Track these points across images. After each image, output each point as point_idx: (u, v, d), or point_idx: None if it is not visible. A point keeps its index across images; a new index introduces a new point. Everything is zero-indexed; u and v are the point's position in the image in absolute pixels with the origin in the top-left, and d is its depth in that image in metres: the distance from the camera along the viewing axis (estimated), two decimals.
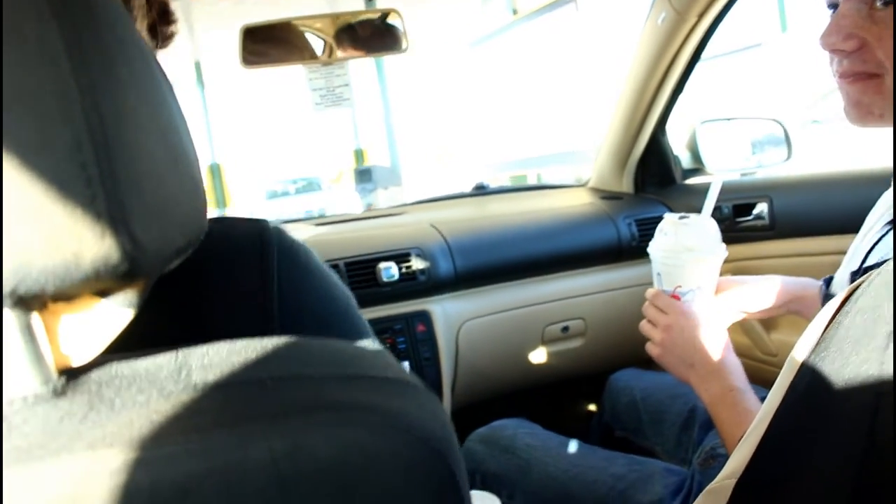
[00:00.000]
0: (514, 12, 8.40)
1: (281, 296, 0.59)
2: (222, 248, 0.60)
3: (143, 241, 0.35)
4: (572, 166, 6.35)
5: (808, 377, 0.63)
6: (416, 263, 1.80)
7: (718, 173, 2.16)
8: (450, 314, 1.85)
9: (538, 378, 2.07)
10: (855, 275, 0.89)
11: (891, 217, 0.87)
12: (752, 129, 2.27)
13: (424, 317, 1.81)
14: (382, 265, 1.77)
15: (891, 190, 1.00)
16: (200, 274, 0.58)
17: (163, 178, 0.38)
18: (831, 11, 0.95)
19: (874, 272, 0.61)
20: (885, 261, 0.81)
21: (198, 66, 15.04)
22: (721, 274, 1.95)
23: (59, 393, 0.35)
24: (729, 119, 2.18)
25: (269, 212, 15.86)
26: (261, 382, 0.39)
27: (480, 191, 2.36)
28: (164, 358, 0.39)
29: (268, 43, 1.60)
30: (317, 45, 1.61)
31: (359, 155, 14.22)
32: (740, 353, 1.91)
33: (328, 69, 1.56)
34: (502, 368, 1.98)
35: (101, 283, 0.35)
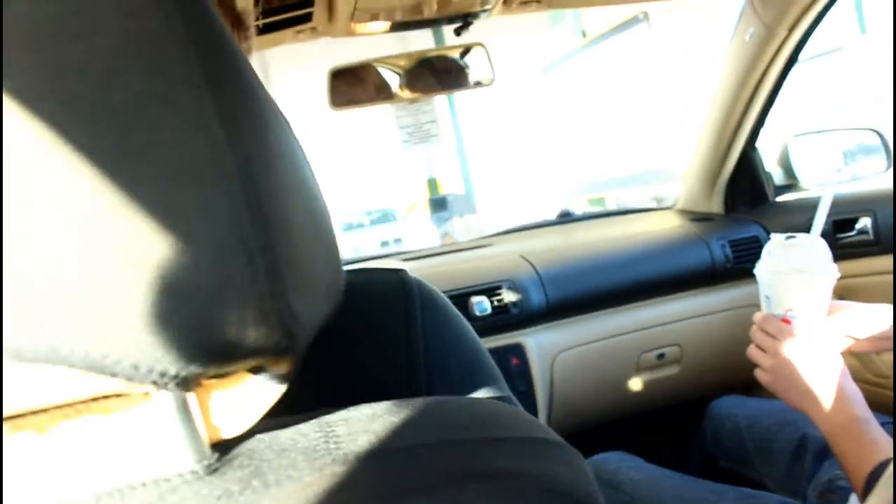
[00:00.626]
0: (584, 35, 8.37)
1: (426, 345, 0.58)
2: (366, 299, 0.59)
3: (300, 317, 0.34)
4: (649, 187, 6.26)
5: None
6: (508, 296, 1.78)
7: (815, 188, 2.10)
8: (543, 346, 1.83)
9: (634, 407, 2.02)
10: None
11: None
12: (846, 140, 2.20)
13: (518, 350, 1.80)
14: (474, 299, 1.76)
15: None
16: (346, 328, 0.57)
17: (310, 247, 0.37)
18: None
19: None
20: None
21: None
22: None
23: (213, 470, 0.35)
24: (822, 131, 2.11)
25: (345, 243, 16.06)
26: (411, 450, 0.37)
27: (566, 218, 2.35)
28: (308, 426, 0.38)
29: (353, 84, 1.63)
30: (402, 83, 1.63)
31: (432, 184, 14.30)
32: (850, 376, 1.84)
33: (415, 106, 1.58)
34: (598, 399, 1.95)
35: (260, 361, 0.35)
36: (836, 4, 1.66)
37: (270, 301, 0.33)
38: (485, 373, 0.63)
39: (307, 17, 1.33)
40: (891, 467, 0.66)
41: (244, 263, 0.32)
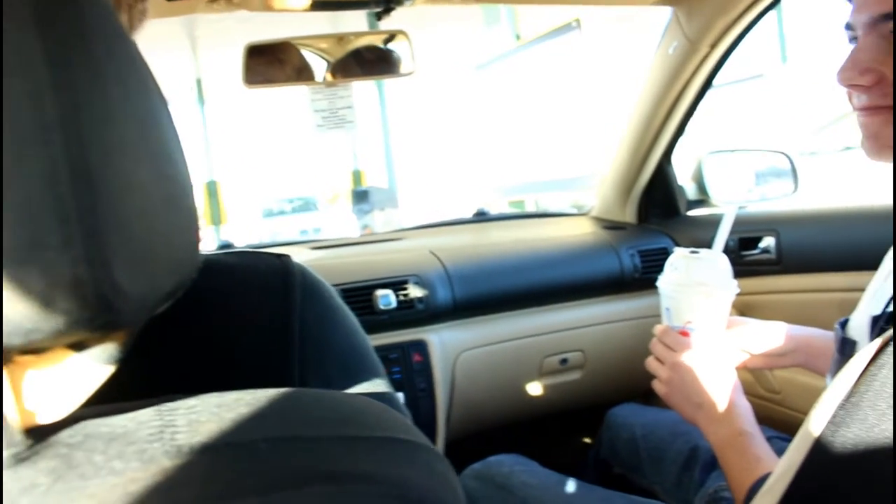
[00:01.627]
0: (518, 37, 8.42)
1: (303, 334, 0.56)
2: (246, 282, 0.57)
3: (126, 289, 0.31)
4: (571, 193, 6.34)
5: (837, 433, 0.59)
6: (414, 291, 1.76)
7: (724, 205, 2.14)
8: (447, 344, 1.81)
9: (535, 411, 2.02)
10: (877, 319, 0.85)
11: None
12: (758, 161, 2.25)
13: (421, 346, 1.77)
14: (380, 292, 1.73)
15: None
16: (222, 310, 0.55)
17: (154, 216, 0.34)
18: (849, 34, 0.93)
19: None
20: None
21: (199, 83, 15.06)
22: None
23: (21, 459, 0.30)
24: (735, 150, 2.15)
25: (264, 230, 15.82)
26: (251, 445, 0.34)
27: (481, 217, 2.33)
28: (146, 413, 0.34)
29: (271, 63, 1.57)
30: (321, 66, 1.58)
31: (356, 176, 14.22)
32: (743, 389, 1.88)
33: (331, 91, 1.53)
34: (499, 400, 1.94)
35: (76, 336, 0.31)
36: (757, 24, 1.69)
37: (87, 269, 0.29)
38: (365, 367, 0.61)
39: None
40: (769, 482, 0.66)
41: (57, 224, 0.28)
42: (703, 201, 2.16)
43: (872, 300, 0.92)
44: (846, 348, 0.95)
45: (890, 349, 0.58)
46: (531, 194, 7.55)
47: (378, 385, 0.60)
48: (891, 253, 0.99)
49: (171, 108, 0.40)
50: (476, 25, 9.66)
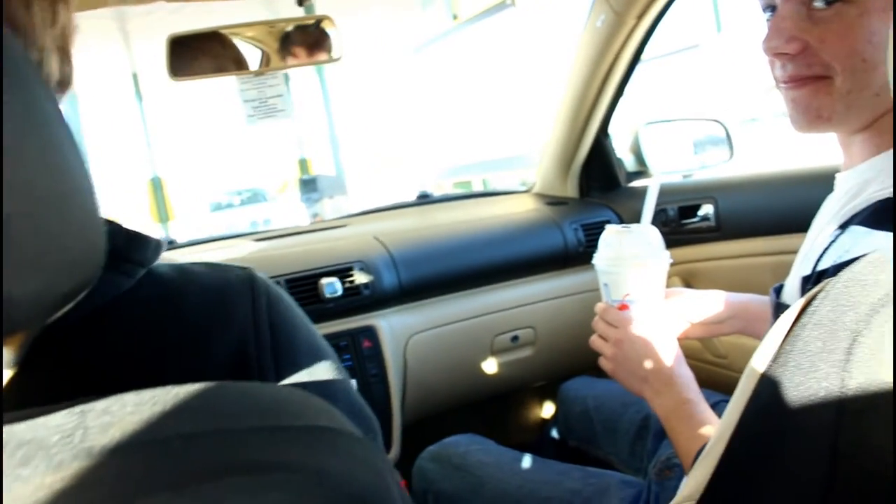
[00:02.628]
0: (455, 17, 8.38)
1: (273, 332, 0.60)
2: (218, 289, 0.60)
3: (13, 293, 0.29)
4: (517, 171, 6.36)
5: (767, 394, 0.60)
6: (360, 277, 1.74)
7: (662, 175, 2.16)
8: (396, 328, 1.80)
9: (489, 389, 2.03)
10: (807, 279, 0.87)
11: (841, 221, 0.85)
12: (695, 130, 2.28)
13: (370, 332, 1.76)
14: (325, 281, 1.71)
15: (835, 194, 0.98)
16: (190, 322, 0.56)
17: (43, 216, 0.32)
18: (768, 15, 0.94)
19: (829, 282, 0.59)
20: (840, 264, 0.79)
21: (135, 77, 14.73)
22: (670, 276, 1.95)
23: None
24: (671, 121, 2.17)
25: (213, 224, 15.61)
26: (166, 442, 0.33)
27: (424, 199, 2.32)
28: (59, 417, 0.33)
29: (197, 54, 1.54)
30: (249, 54, 1.55)
31: (303, 165, 14.08)
32: (689, 355, 1.89)
33: (261, 79, 1.50)
34: (452, 382, 1.94)
35: None
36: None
37: None
38: (326, 360, 0.65)
39: None
40: (709, 445, 0.67)
41: None
42: (642, 172, 2.18)
43: (803, 262, 0.93)
44: (780, 313, 0.97)
45: (812, 307, 0.59)
46: (477, 174, 7.57)
47: (339, 371, 0.64)
48: (818, 217, 1.01)
49: (60, 103, 0.38)
50: (412, 5, 9.59)
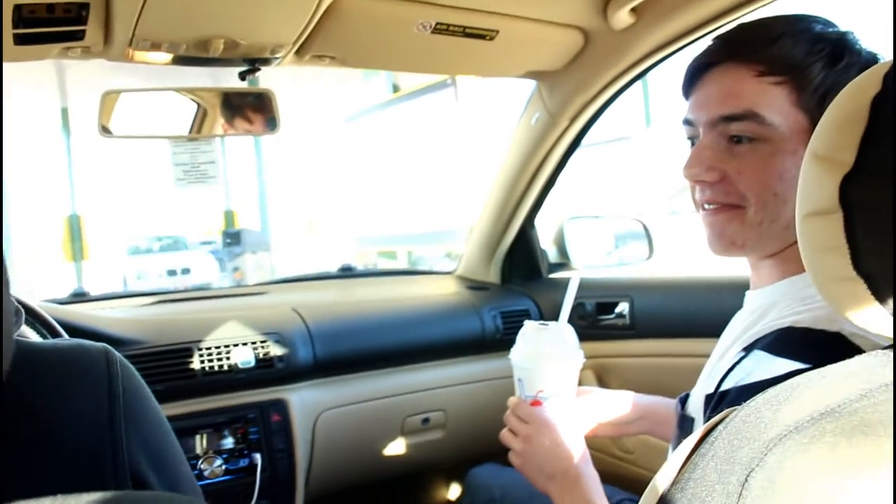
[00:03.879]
0: (395, 89, 8.51)
1: (125, 405, 0.65)
2: (71, 358, 0.66)
3: None
4: (443, 245, 6.41)
5: None
6: (275, 350, 1.72)
7: (584, 269, 2.21)
8: (307, 404, 1.78)
9: (397, 470, 2.01)
10: (710, 398, 0.90)
11: (745, 344, 0.89)
12: (617, 226, 2.35)
13: (280, 406, 1.73)
14: (239, 350, 1.68)
15: (743, 312, 1.02)
16: (43, 399, 0.61)
17: None
18: (690, 143, 1.00)
19: (729, 414, 0.61)
20: (741, 386, 0.82)
21: (65, 112, 14.40)
22: (584, 370, 1.98)
23: None
24: (595, 217, 2.24)
25: (129, 268, 15.13)
26: None
27: (347, 272, 2.32)
28: None
29: (131, 112, 1.52)
30: (185, 118, 1.55)
31: (229, 216, 13.90)
32: (598, 449, 1.93)
33: (194, 144, 1.50)
34: (360, 460, 1.91)
35: None
36: (615, 102, 1.77)
37: None
38: (170, 438, 0.74)
39: (79, 35, 1.22)
40: None
41: None
42: (564, 264, 2.24)
43: (708, 378, 0.96)
44: (685, 424, 1.00)
45: (712, 436, 0.61)
46: (403, 246, 7.61)
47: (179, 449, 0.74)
48: (726, 332, 1.05)
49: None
50: (355, 77, 9.70)
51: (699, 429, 0.63)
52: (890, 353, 0.61)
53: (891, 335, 0.61)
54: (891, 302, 0.58)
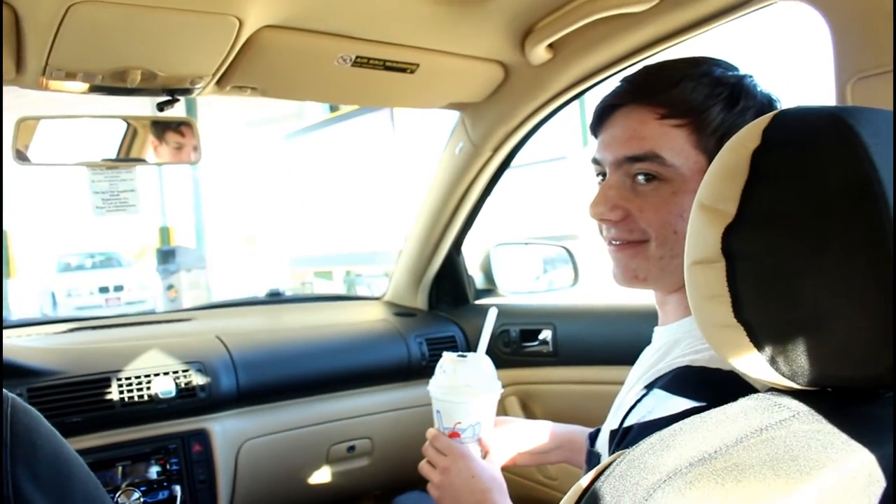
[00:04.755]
0: (333, 109, 8.49)
1: (14, 455, 0.67)
2: None
3: None
4: (380, 266, 6.41)
5: None
6: (197, 379, 1.70)
7: (509, 295, 2.24)
8: (230, 433, 1.76)
9: (322, 499, 1.99)
10: (614, 434, 0.92)
11: (647, 381, 0.91)
12: (544, 251, 2.39)
13: (202, 436, 1.71)
14: (159, 380, 1.66)
15: (651, 348, 1.05)
16: None
17: None
18: (599, 180, 1.02)
19: (615, 461, 0.63)
20: (642, 423, 0.85)
21: None
22: (508, 396, 2.00)
23: None
24: (521, 243, 2.27)
25: (58, 286, 14.71)
26: None
27: (274, 298, 2.31)
28: None
29: (48, 139, 1.49)
30: (103, 146, 1.53)
31: (164, 233, 13.66)
32: (522, 475, 1.95)
33: (113, 173, 1.48)
34: (285, 489, 1.90)
35: None
36: (538, 131, 1.81)
37: None
38: (73, 472, 0.77)
39: None
40: None
41: None
42: (490, 291, 2.26)
43: (614, 415, 0.99)
44: (592, 460, 1.02)
45: (599, 482, 0.62)
46: (340, 266, 7.57)
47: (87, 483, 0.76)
48: (634, 368, 1.07)
49: None
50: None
51: (588, 475, 0.65)
52: (771, 396, 0.64)
53: (768, 379, 0.64)
54: (768, 349, 0.61)
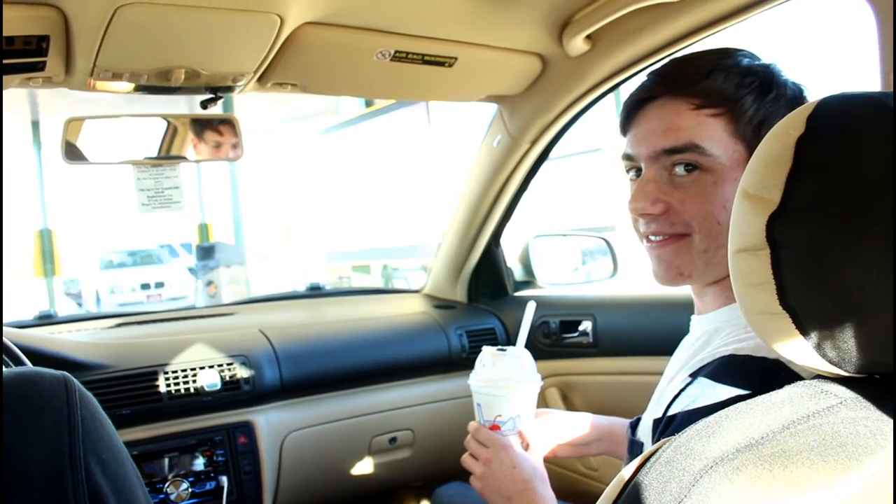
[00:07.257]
0: (369, 104, 8.53)
1: (84, 441, 0.70)
2: (31, 396, 0.70)
3: None
4: (418, 259, 6.43)
5: None
6: (241, 372, 1.73)
7: (548, 287, 2.24)
8: (274, 425, 1.79)
9: (365, 489, 2.02)
10: (658, 423, 0.92)
11: (691, 370, 0.91)
12: (582, 243, 2.38)
13: (247, 428, 1.74)
14: (205, 373, 1.69)
15: (689, 337, 1.05)
16: (11, 426, 0.66)
17: None
18: (631, 176, 1.02)
19: (662, 447, 0.63)
20: (687, 412, 0.85)
21: (35, 125, 14.26)
22: (548, 388, 2.00)
23: None
24: (560, 235, 2.27)
25: (103, 282, 14.99)
26: None
27: (315, 291, 2.33)
28: None
29: (95, 138, 1.53)
30: (148, 144, 1.56)
31: (203, 230, 13.83)
32: (562, 466, 1.95)
33: (158, 170, 1.50)
34: (328, 480, 1.92)
35: None
36: (576, 123, 1.81)
37: None
38: (124, 458, 0.79)
39: (40, 66, 1.24)
40: None
41: None
42: (530, 282, 2.26)
43: (657, 403, 0.99)
44: (634, 449, 1.03)
45: (646, 468, 0.63)
46: (378, 260, 7.61)
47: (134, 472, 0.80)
48: (674, 357, 1.07)
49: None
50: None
51: (636, 460, 0.66)
52: (818, 383, 0.64)
53: (814, 366, 0.64)
54: (814, 335, 0.61)
